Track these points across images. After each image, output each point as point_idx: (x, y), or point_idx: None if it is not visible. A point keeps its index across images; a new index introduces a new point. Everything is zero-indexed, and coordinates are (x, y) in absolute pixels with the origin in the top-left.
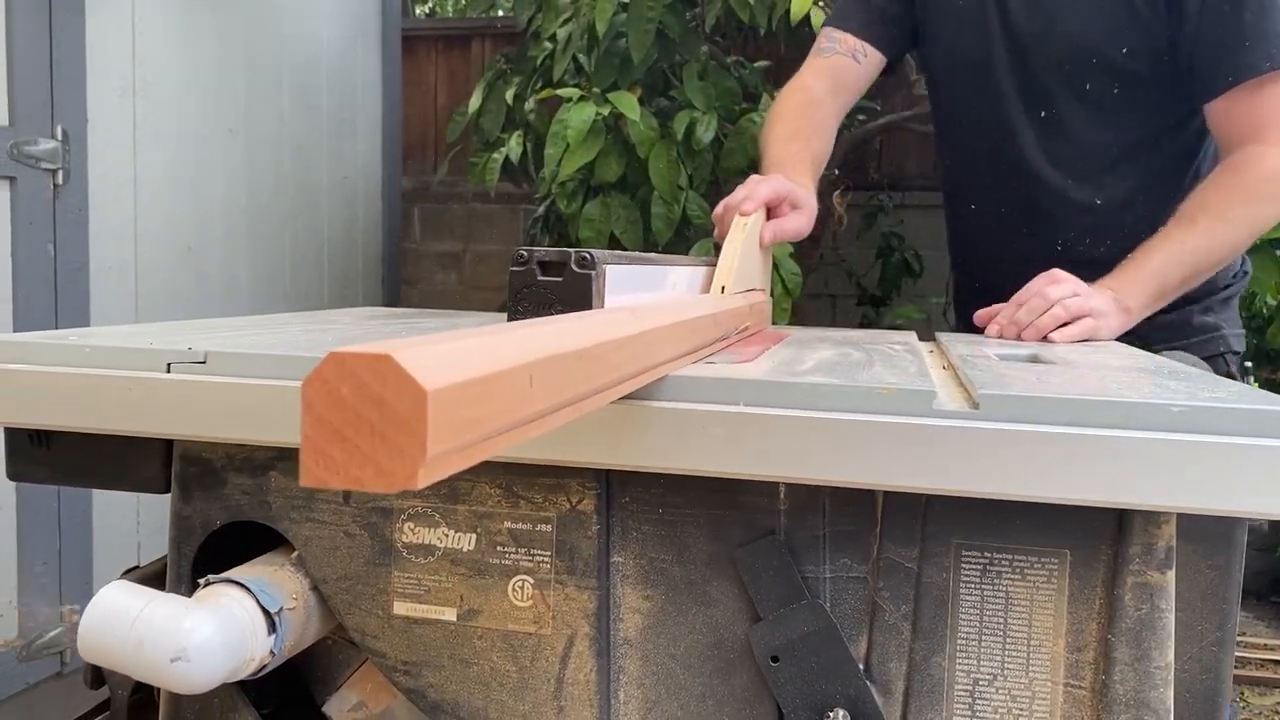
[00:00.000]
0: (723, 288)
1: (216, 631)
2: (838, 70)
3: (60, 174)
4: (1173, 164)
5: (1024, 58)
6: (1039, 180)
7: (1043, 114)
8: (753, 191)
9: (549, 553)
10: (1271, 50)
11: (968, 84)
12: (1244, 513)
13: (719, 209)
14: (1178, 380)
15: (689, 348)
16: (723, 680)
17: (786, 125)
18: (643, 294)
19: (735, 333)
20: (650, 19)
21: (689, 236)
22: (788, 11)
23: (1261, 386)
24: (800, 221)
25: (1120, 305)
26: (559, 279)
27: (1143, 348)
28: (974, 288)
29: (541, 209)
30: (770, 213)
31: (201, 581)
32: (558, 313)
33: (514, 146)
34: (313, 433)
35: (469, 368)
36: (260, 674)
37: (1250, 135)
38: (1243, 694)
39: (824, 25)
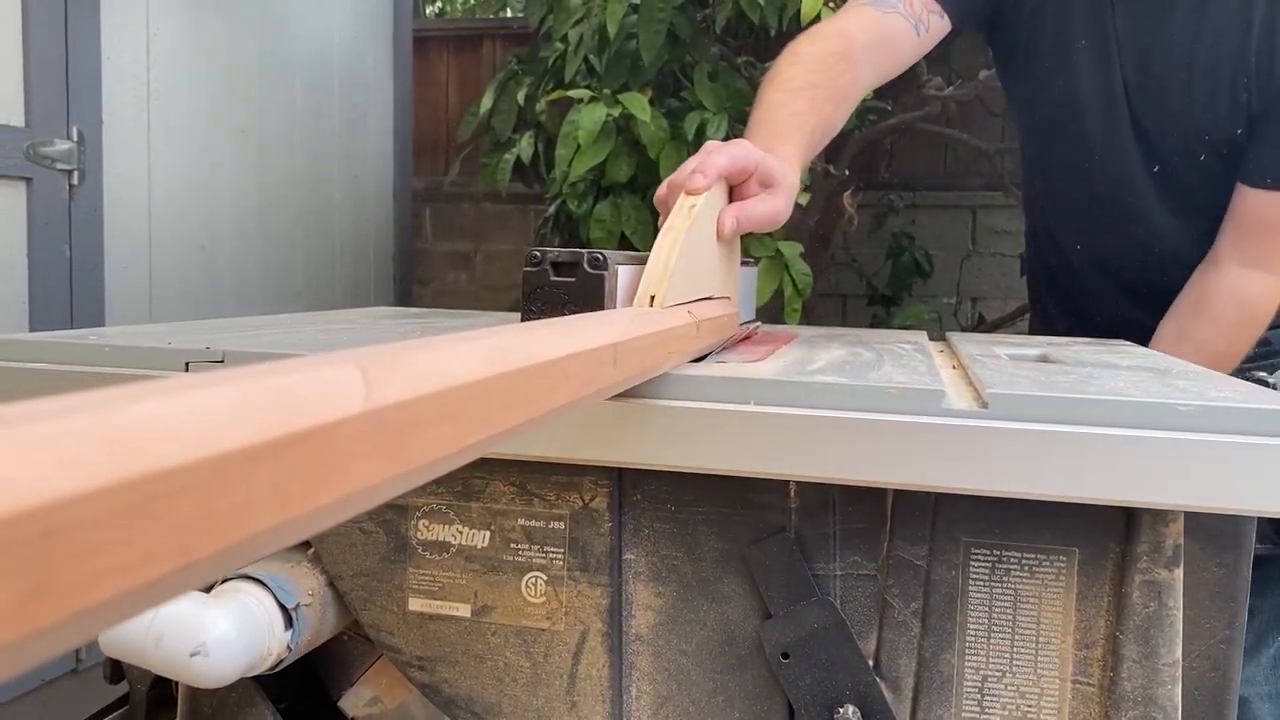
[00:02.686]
0: (651, 298)
1: (234, 626)
2: (891, 36)
3: (75, 175)
4: None
5: (1141, 121)
6: (1159, 228)
7: (1157, 168)
8: (705, 163)
9: (562, 549)
10: None
11: (1083, 128)
12: (1251, 511)
13: (662, 189)
14: (1186, 380)
15: (531, 414)
16: (734, 676)
17: (800, 72)
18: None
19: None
20: (661, 20)
21: None
22: (798, 12)
23: None
24: (773, 205)
25: None
26: (572, 279)
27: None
28: (1066, 322)
29: (552, 209)
30: (734, 192)
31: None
32: (570, 312)
33: (525, 147)
34: None
35: None
36: (277, 669)
37: (1252, 247)
38: None
39: None
